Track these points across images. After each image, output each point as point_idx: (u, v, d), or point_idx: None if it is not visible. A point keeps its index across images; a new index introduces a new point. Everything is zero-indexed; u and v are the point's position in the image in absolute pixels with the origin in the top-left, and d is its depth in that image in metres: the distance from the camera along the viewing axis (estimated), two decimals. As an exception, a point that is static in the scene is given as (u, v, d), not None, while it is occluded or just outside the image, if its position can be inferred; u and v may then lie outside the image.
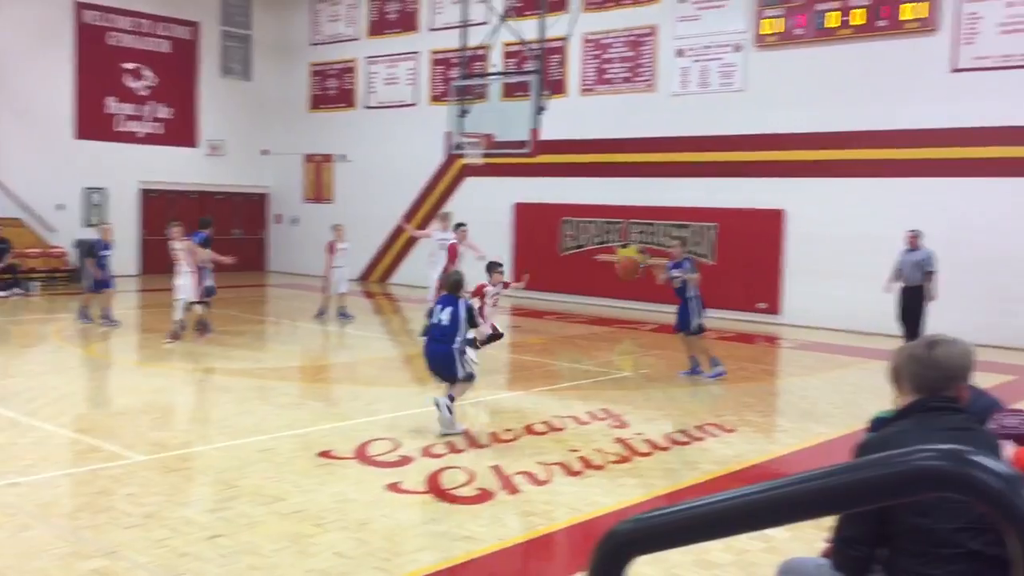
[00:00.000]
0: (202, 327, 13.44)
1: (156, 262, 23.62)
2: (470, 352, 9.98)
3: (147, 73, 23.69)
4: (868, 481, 1.24)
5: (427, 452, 7.62)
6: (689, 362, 11.63)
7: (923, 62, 15.43)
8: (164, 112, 24.06)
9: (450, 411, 8.33)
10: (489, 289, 11.34)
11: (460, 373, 8.46)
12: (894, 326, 14.44)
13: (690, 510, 1.36)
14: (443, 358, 8.47)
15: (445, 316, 8.45)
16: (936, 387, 2.70)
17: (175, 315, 12.97)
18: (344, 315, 15.74)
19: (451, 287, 8.82)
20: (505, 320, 12.00)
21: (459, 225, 14.40)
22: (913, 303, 13.49)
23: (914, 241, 13.53)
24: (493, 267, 11.52)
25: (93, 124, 22.70)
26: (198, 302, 13.27)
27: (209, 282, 13.84)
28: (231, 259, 13.81)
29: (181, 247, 12.94)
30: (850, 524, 2.67)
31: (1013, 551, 1.17)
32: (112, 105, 23.11)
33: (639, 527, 1.38)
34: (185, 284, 12.88)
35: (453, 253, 13.72)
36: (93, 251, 14.74)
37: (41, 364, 11.47)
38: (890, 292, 13.96)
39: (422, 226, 18.65)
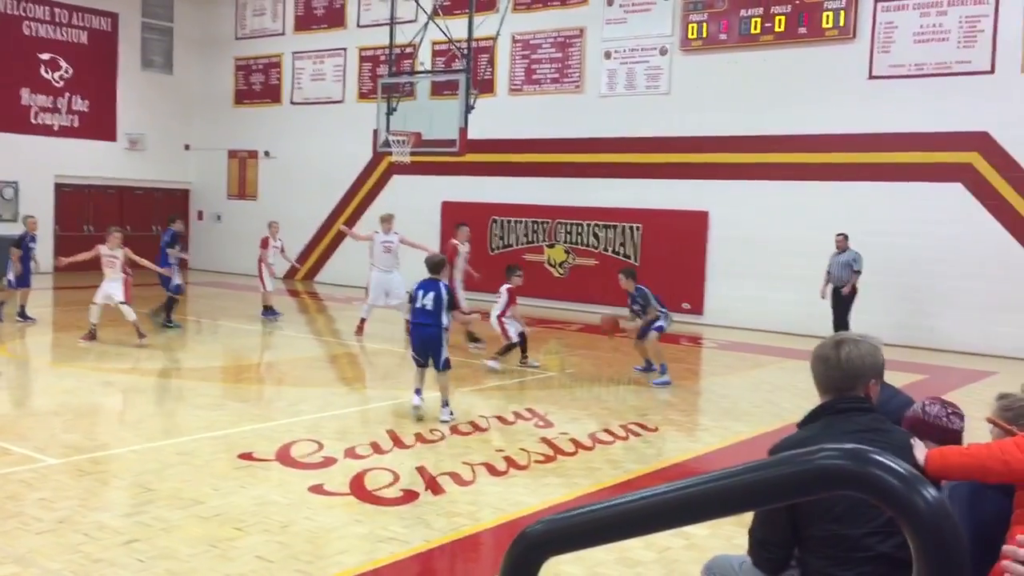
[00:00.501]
0: (166, 316, 14.22)
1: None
2: (492, 363, 11.61)
3: (64, 64, 22.99)
4: (772, 480, 1.26)
5: (350, 453, 7.55)
6: (644, 361, 11.93)
7: (841, 69, 15.86)
8: (81, 105, 23.38)
9: (451, 413, 8.90)
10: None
11: (444, 353, 8.87)
12: (813, 326, 14.85)
13: (599, 511, 1.37)
14: (432, 339, 8.86)
15: (428, 300, 8.85)
16: (844, 387, 2.73)
17: (92, 317, 12.61)
18: (269, 313, 15.57)
19: (432, 269, 9.18)
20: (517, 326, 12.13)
21: (460, 225, 14.46)
22: (843, 304, 14.45)
23: (842, 243, 14.57)
24: (513, 270, 12.10)
25: (6, 116, 21.93)
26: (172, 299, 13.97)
27: (178, 280, 14.44)
28: (150, 265, 13.59)
29: (119, 254, 12.62)
30: (763, 527, 2.70)
31: (913, 549, 1.20)
32: (26, 96, 22.36)
33: (550, 528, 1.38)
34: (115, 289, 12.55)
35: (452, 253, 13.48)
36: (21, 244, 14.40)
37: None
38: (825, 297, 14.59)
39: (350, 226, 18.45)
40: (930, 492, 1.20)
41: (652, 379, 11.38)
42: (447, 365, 8.97)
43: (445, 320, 8.89)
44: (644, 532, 1.38)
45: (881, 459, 1.17)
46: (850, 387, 2.74)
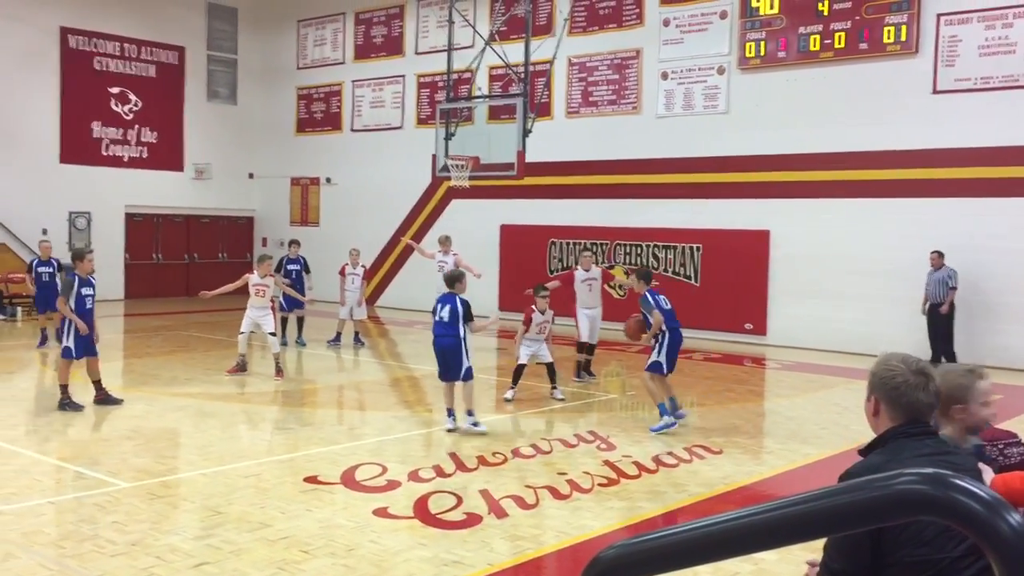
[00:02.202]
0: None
1: (140, 286, 23.58)
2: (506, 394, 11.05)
3: (133, 97, 23.69)
4: (851, 506, 1.24)
5: (414, 476, 7.59)
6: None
7: (904, 84, 15.59)
8: (150, 136, 24.04)
9: (476, 424, 9.14)
10: (536, 316, 11.13)
11: (466, 362, 9.15)
12: (880, 345, 14.53)
13: (673, 536, 1.36)
14: (452, 348, 9.19)
15: (445, 313, 9.23)
16: (927, 414, 2.70)
17: (240, 347, 12.67)
18: (358, 341, 15.77)
19: (449, 283, 9.55)
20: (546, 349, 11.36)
21: (583, 251, 14.62)
22: (940, 321, 14.38)
23: (937, 261, 14.50)
24: (539, 290, 11.34)
25: (78, 148, 22.65)
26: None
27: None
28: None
29: (269, 282, 12.66)
30: (843, 556, 2.61)
31: (998, 575, 1.17)
32: (98, 129, 23.08)
33: (623, 553, 1.38)
34: (265, 319, 12.55)
35: (569, 280, 13.38)
36: (32, 269, 14.88)
37: (24, 390, 11.38)
38: (924, 313, 14.62)
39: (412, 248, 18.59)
40: (1014, 518, 1.17)
41: (651, 426, 9.66)
42: (469, 375, 9.24)
43: (462, 331, 9.17)
44: (720, 557, 1.36)
45: (963, 484, 1.15)
46: (928, 413, 2.72)
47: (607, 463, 8.21)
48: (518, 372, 11.20)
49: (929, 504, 1.17)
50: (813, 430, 10.07)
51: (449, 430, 9.25)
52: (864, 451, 2.78)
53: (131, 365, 14.04)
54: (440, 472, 7.76)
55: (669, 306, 10.00)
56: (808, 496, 1.30)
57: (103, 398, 10.25)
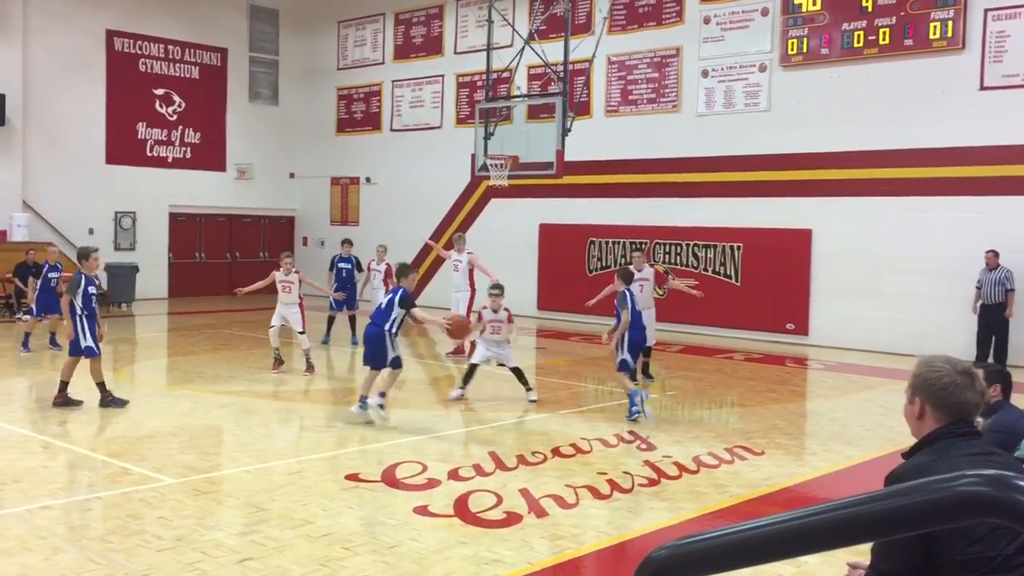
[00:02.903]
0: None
1: (184, 285, 23.90)
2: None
3: (177, 99, 24.02)
4: (912, 507, 1.22)
5: (454, 475, 7.61)
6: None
7: (951, 80, 15.34)
8: (193, 137, 24.37)
9: (382, 407, 9.30)
10: (486, 314, 10.80)
11: (391, 352, 9.34)
12: (924, 346, 14.36)
13: (727, 536, 1.35)
14: (374, 337, 9.46)
15: (385, 301, 9.56)
16: (973, 413, 2.70)
17: (273, 342, 12.79)
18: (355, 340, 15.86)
19: (396, 275, 9.83)
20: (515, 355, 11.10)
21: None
22: (993, 321, 14.22)
23: (992, 260, 14.26)
24: (491, 288, 10.99)
25: (124, 149, 23.03)
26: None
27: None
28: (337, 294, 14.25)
29: (294, 279, 12.76)
30: (889, 556, 2.59)
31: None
32: (142, 130, 23.44)
33: (675, 553, 1.36)
34: (293, 316, 12.69)
35: (662, 279, 13.23)
36: (41, 273, 14.54)
37: (71, 387, 11.56)
38: (975, 312, 14.47)
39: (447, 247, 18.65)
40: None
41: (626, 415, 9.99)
42: (396, 363, 9.49)
43: (391, 321, 9.36)
44: (776, 558, 1.35)
45: (1026, 486, 1.13)
46: (972, 413, 2.72)
47: (647, 463, 8.17)
48: (470, 372, 10.82)
49: (992, 506, 1.15)
50: (856, 431, 9.94)
51: (352, 411, 9.52)
52: (908, 453, 2.76)
53: (175, 363, 14.24)
54: (480, 471, 7.77)
55: (639, 308, 10.80)
56: (867, 497, 1.28)
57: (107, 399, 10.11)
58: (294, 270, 12.91)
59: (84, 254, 10.27)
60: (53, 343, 14.35)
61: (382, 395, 9.46)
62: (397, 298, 9.47)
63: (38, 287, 14.39)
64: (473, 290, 14.27)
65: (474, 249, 15.78)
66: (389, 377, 9.57)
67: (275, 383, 12.17)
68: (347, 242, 16.34)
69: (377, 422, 9.47)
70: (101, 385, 10.13)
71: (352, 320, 15.80)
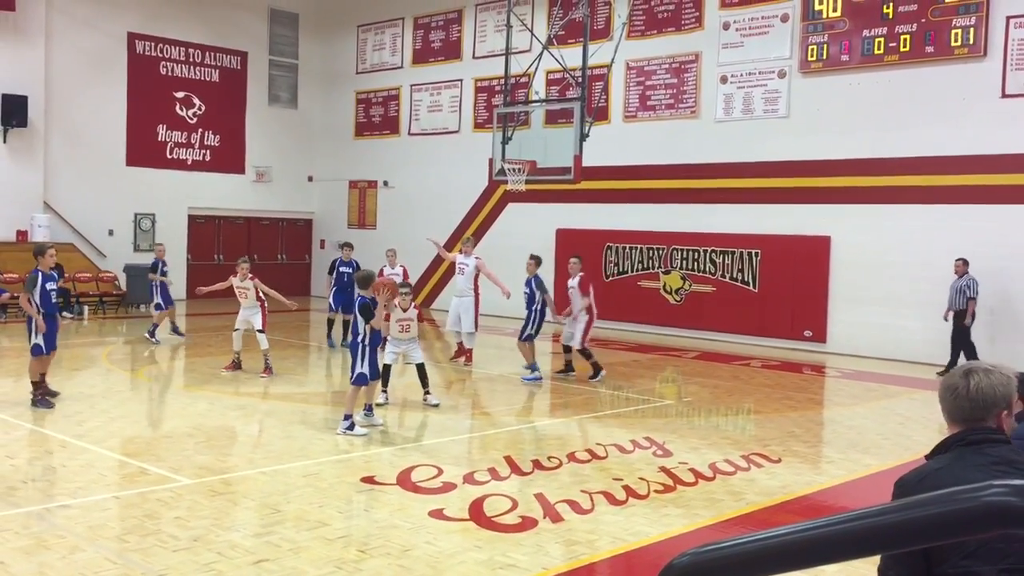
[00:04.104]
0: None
1: (202, 286, 23.96)
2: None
3: (197, 101, 24.17)
4: (936, 517, 1.21)
5: (469, 479, 7.61)
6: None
7: (972, 88, 15.23)
8: (212, 139, 24.51)
9: (350, 429, 9.07)
10: (396, 312, 10.61)
11: (358, 367, 9.18)
12: (945, 355, 14.34)
13: (750, 544, 1.34)
14: (351, 351, 9.40)
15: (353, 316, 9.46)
16: (973, 418, 2.62)
17: (235, 345, 12.95)
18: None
19: (359, 284, 9.49)
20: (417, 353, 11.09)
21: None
22: (959, 329, 14.18)
23: (961, 268, 14.29)
24: (401, 286, 10.72)
25: (144, 151, 23.18)
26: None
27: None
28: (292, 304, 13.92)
29: (248, 285, 12.81)
30: (896, 564, 2.59)
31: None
32: (163, 133, 23.59)
33: (698, 560, 1.36)
34: (254, 316, 12.80)
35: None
36: (156, 269, 15.98)
37: (91, 387, 11.66)
38: (948, 320, 14.42)
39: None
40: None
41: (523, 376, 12.71)
42: (360, 380, 9.21)
43: (360, 332, 9.20)
44: (798, 567, 1.33)
45: (1054, 497, 1.11)
46: (980, 418, 2.61)
47: (663, 469, 8.14)
48: (384, 373, 10.60)
49: (1018, 516, 1.14)
50: (874, 440, 9.88)
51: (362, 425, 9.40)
52: (929, 455, 2.73)
53: (193, 364, 14.31)
54: (495, 475, 7.77)
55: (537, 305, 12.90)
56: (891, 507, 1.27)
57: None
58: (249, 276, 12.91)
59: (39, 250, 10.25)
60: (175, 330, 16.17)
61: (346, 417, 9.20)
62: (358, 310, 9.22)
63: (333, 284, 15.68)
64: (478, 295, 14.18)
65: (492, 253, 15.77)
66: (350, 393, 9.30)
67: (293, 385, 12.20)
68: (347, 246, 16.19)
69: (373, 431, 9.40)
70: (35, 384, 10.18)
71: (346, 324, 15.71)
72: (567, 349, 13.21)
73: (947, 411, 2.68)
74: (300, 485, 7.32)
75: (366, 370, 9.21)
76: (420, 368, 10.90)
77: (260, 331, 12.76)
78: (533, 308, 12.92)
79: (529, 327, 12.90)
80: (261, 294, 12.92)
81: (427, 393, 10.82)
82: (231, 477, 7.60)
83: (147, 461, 7.94)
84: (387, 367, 10.77)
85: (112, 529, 6.25)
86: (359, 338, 9.25)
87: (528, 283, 13.08)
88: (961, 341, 14.14)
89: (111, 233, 22.43)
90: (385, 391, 10.79)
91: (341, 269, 15.68)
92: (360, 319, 9.21)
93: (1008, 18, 14.90)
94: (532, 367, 12.82)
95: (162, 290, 15.83)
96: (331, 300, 15.58)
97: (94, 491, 7.09)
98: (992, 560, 2.43)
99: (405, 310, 10.80)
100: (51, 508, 6.63)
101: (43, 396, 10.21)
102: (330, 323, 15.82)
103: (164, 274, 15.99)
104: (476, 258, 14.33)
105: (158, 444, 8.73)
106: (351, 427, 9.14)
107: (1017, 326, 14.55)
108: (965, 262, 14.27)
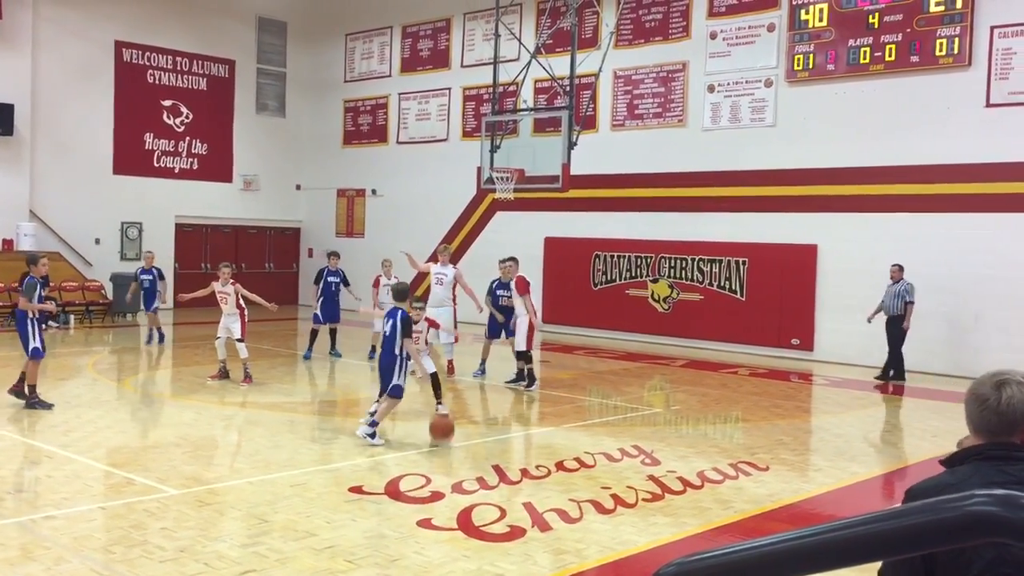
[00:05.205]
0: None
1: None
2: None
3: (184, 110, 24.12)
4: (920, 526, 1.22)
5: (458, 488, 7.59)
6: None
7: (957, 97, 15.35)
8: (200, 148, 24.45)
9: (372, 435, 9.05)
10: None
11: (395, 379, 9.15)
12: (933, 363, 14.46)
13: (737, 553, 1.34)
14: (386, 367, 9.30)
15: (388, 327, 9.31)
16: (998, 431, 2.43)
17: (219, 354, 12.93)
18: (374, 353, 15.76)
19: (395, 297, 9.59)
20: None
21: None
22: (898, 335, 14.50)
23: (896, 274, 14.59)
24: (414, 301, 10.72)
25: (131, 160, 23.11)
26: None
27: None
28: (273, 306, 13.88)
29: (230, 290, 12.80)
30: (896, 574, 2.51)
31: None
32: (150, 141, 23.52)
33: (684, 570, 1.36)
34: (234, 324, 12.76)
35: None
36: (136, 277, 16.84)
37: (76, 397, 11.59)
38: (871, 322, 14.81)
39: (455, 261, 18.54)
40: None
41: (474, 372, 13.49)
42: (396, 392, 9.23)
43: (399, 346, 9.18)
44: (783, 577, 1.34)
45: (1037, 506, 1.12)
46: (1005, 432, 2.42)
47: (651, 478, 8.15)
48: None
49: (1001, 526, 1.14)
50: (861, 448, 9.91)
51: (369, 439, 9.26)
52: (945, 462, 2.57)
53: (180, 374, 14.24)
54: (483, 484, 7.75)
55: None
56: (878, 516, 1.28)
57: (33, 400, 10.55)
58: (231, 281, 12.88)
59: (33, 259, 10.72)
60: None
61: (373, 424, 9.19)
62: (399, 324, 9.21)
63: (320, 294, 15.58)
64: (455, 305, 14.15)
65: (480, 262, 15.76)
66: (386, 405, 9.33)
67: (280, 394, 12.16)
68: (334, 255, 16.11)
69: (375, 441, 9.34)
70: (32, 387, 10.47)
71: (333, 333, 15.68)
72: (519, 355, 13.15)
73: (972, 421, 2.43)
74: (287, 495, 7.29)
75: (402, 381, 9.27)
76: (433, 377, 10.83)
77: (239, 340, 12.69)
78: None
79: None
80: (241, 300, 12.87)
81: (439, 403, 10.70)
82: (218, 487, 7.56)
83: (133, 471, 7.90)
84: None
85: (98, 540, 6.21)
86: (397, 351, 9.20)
87: (506, 286, 13.24)
88: (896, 344, 14.45)
89: (97, 242, 22.34)
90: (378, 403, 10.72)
91: (329, 279, 15.53)
92: (400, 332, 9.15)
93: (992, 28, 15.03)
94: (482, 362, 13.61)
95: (148, 296, 16.65)
96: (319, 311, 15.32)
97: (80, 502, 7.04)
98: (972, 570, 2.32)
99: (416, 322, 10.75)
100: (36, 519, 6.58)
101: (40, 399, 10.48)
102: (314, 335, 15.51)
103: (141, 281, 16.75)
104: (453, 267, 14.31)
105: (144, 454, 8.68)
106: (373, 435, 9.12)
107: (1003, 333, 14.62)
108: (900, 268, 14.55)
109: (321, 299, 15.35)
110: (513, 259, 13.39)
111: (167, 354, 15.91)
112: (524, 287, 12.93)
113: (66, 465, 8.12)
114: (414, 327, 10.54)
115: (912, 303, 14.36)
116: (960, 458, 2.43)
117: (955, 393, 13.14)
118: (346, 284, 15.68)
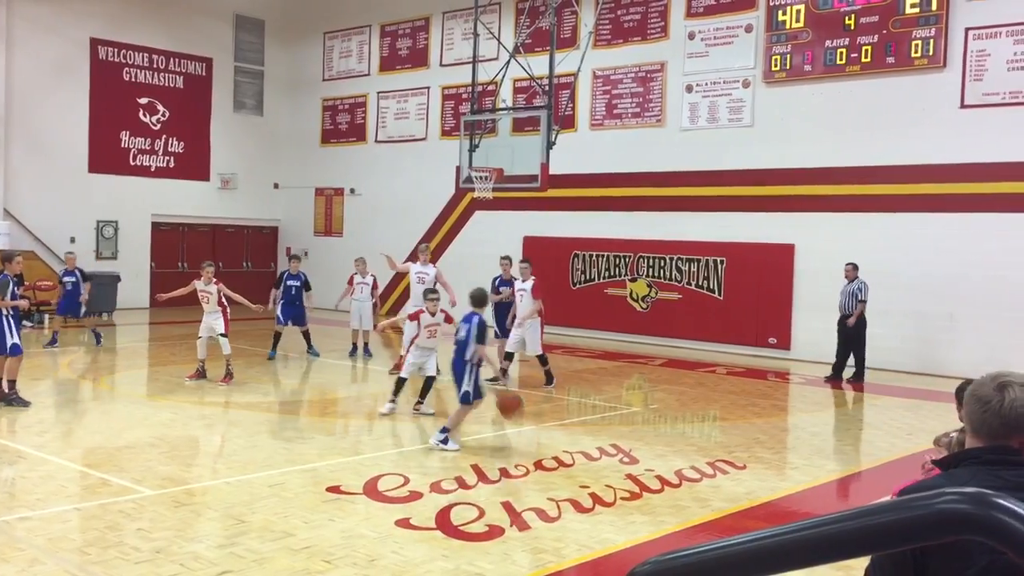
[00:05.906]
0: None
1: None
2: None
3: (161, 108, 23.94)
4: (890, 524, 1.23)
5: (436, 488, 7.59)
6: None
7: (932, 98, 15.49)
8: (176, 146, 24.27)
9: (445, 442, 8.97)
10: (424, 318, 10.71)
11: (464, 385, 9.16)
12: (906, 362, 14.55)
13: (711, 551, 1.35)
14: (456, 371, 9.32)
15: (463, 331, 9.29)
16: (998, 435, 2.35)
17: (199, 353, 12.83)
18: (366, 352, 15.73)
19: (473, 302, 9.55)
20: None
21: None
22: (850, 332, 14.59)
23: (851, 273, 14.73)
24: (428, 295, 10.92)
25: (107, 158, 22.90)
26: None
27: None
28: (258, 307, 13.87)
29: (212, 289, 12.75)
30: (883, 574, 2.47)
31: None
32: (126, 139, 23.33)
33: (659, 569, 1.37)
34: (216, 321, 12.73)
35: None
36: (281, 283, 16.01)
37: (51, 397, 11.48)
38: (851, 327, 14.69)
39: (434, 261, 18.51)
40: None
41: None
42: (465, 399, 9.20)
43: (470, 352, 9.17)
44: (757, 574, 1.35)
45: (1007, 504, 1.13)
46: (1005, 436, 2.34)
47: (630, 477, 8.17)
48: (399, 385, 10.81)
49: (970, 523, 1.16)
50: (838, 446, 9.99)
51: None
52: (940, 463, 2.53)
53: (156, 373, 14.14)
54: (462, 484, 7.75)
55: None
56: (849, 514, 1.29)
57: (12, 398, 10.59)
58: (213, 280, 12.83)
59: (7, 257, 10.91)
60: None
61: (444, 430, 9.14)
62: (474, 329, 9.18)
63: (280, 297, 15.47)
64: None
65: (459, 260, 15.76)
66: (458, 413, 9.32)
67: (259, 394, 12.10)
68: (295, 258, 16.09)
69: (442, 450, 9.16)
70: (12, 383, 10.50)
71: (307, 334, 15.64)
72: (509, 356, 13.30)
73: (972, 422, 2.39)
74: (265, 495, 7.26)
75: (471, 388, 9.23)
76: (430, 380, 10.82)
77: (223, 335, 12.64)
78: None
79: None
80: (223, 299, 12.81)
81: (419, 403, 10.80)
82: (195, 488, 7.52)
83: (109, 472, 7.84)
84: (402, 380, 10.84)
85: (73, 541, 6.16)
86: (466, 357, 9.19)
87: (508, 283, 13.99)
88: (853, 342, 14.56)
89: (73, 241, 22.11)
90: (394, 401, 10.82)
91: (289, 282, 15.46)
92: (474, 337, 9.13)
93: (967, 30, 15.18)
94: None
95: (70, 299, 16.30)
96: (279, 313, 15.30)
97: (54, 503, 6.98)
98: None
99: (433, 314, 10.74)
100: (10, 520, 6.51)
101: (18, 395, 10.50)
102: (277, 336, 15.41)
103: (78, 283, 16.25)
104: (432, 266, 14.36)
105: (120, 455, 8.61)
106: (445, 441, 9.03)
107: (977, 332, 14.76)
108: (855, 267, 14.67)
109: (282, 302, 15.31)
110: (527, 260, 13.76)
111: (143, 354, 15.77)
112: (539, 289, 13.13)
113: (41, 466, 8.04)
114: (431, 319, 10.65)
115: (864, 302, 14.45)
116: (956, 460, 2.38)
117: (929, 391, 13.29)
118: (307, 289, 15.58)
